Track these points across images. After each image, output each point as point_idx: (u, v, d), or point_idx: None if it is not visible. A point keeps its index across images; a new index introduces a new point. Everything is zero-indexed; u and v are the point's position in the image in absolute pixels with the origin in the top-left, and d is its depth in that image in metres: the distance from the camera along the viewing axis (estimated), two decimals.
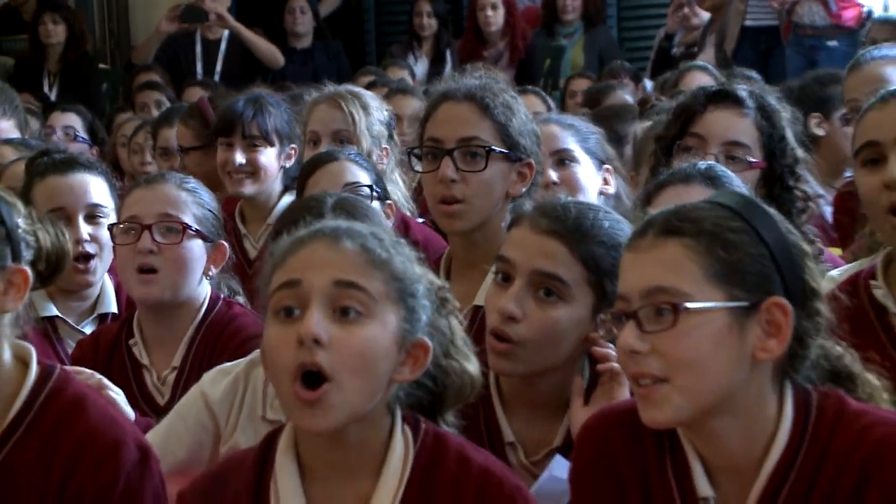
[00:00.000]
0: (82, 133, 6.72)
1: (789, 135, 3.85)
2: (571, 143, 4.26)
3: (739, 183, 3.38)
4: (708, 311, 2.28)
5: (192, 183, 3.76)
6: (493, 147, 3.59)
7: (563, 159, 4.20)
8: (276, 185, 5.00)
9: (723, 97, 3.85)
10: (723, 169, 3.42)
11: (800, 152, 3.88)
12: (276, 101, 5.16)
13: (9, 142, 5.33)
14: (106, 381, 3.18)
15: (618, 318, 2.34)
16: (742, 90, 3.87)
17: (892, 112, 3.11)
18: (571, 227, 2.83)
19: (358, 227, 2.47)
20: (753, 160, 3.77)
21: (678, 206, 2.40)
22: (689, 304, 2.26)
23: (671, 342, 2.28)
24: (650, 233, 2.34)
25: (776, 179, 3.79)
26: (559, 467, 2.81)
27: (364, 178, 4.24)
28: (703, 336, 2.28)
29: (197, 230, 3.62)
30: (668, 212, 2.38)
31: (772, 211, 2.41)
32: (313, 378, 2.35)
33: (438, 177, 3.60)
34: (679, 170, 3.41)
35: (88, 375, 3.14)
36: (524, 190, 3.64)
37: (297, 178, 4.48)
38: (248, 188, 4.94)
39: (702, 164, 3.43)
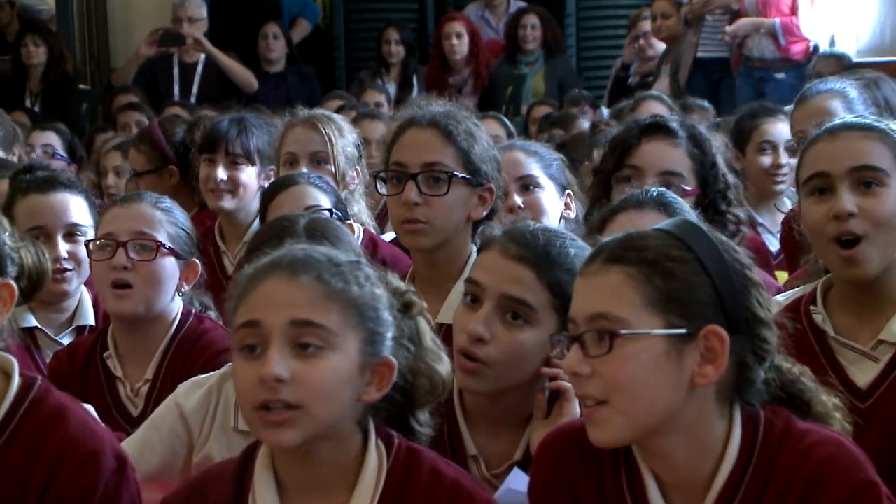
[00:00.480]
0: (61, 151, 6.69)
1: (720, 161, 3.88)
2: (535, 170, 4.26)
3: (689, 209, 3.39)
4: (644, 338, 2.28)
5: (167, 202, 3.75)
6: (455, 172, 3.59)
7: (527, 185, 4.19)
8: (254, 204, 4.93)
9: (655, 129, 3.88)
10: (673, 195, 3.44)
11: (731, 178, 3.92)
12: (259, 123, 5.15)
13: None
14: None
15: (568, 341, 2.35)
16: (673, 122, 3.91)
17: (843, 145, 3.09)
18: (540, 253, 2.83)
19: (315, 256, 2.44)
20: (688, 188, 3.78)
21: (627, 234, 2.41)
22: (623, 331, 2.27)
23: (609, 367, 2.29)
24: (598, 260, 2.36)
25: (709, 204, 3.81)
26: (517, 480, 2.80)
27: (325, 201, 4.22)
28: (640, 361, 2.29)
29: (170, 248, 3.61)
30: (616, 239, 2.39)
31: (720, 239, 2.40)
32: (276, 409, 2.35)
33: (402, 200, 3.59)
34: (632, 196, 3.42)
35: None
36: (484, 213, 3.65)
37: (261, 201, 4.45)
38: (228, 203, 4.93)
39: (654, 191, 3.43)
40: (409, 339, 2.52)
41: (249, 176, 4.95)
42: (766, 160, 5.51)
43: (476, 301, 2.88)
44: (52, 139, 6.78)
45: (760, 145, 5.56)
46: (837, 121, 3.28)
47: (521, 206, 4.11)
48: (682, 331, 2.29)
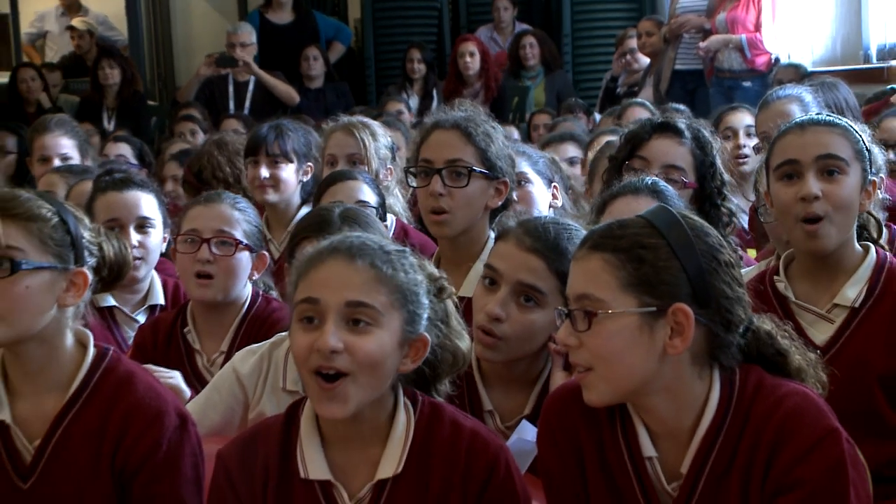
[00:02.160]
0: (132, 159, 6.67)
1: (718, 162, 3.85)
2: (525, 167, 4.33)
3: (676, 196, 3.40)
4: (620, 315, 2.29)
5: (243, 203, 3.77)
6: (474, 167, 3.61)
7: (519, 181, 4.18)
8: (296, 197, 5.00)
9: (665, 128, 3.85)
10: (664, 184, 3.44)
11: (726, 177, 3.88)
12: (294, 126, 5.15)
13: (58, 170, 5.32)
14: (158, 369, 3.21)
15: (562, 316, 2.37)
16: (682, 123, 3.88)
17: (810, 137, 3.11)
18: (551, 245, 2.85)
19: (370, 243, 2.43)
20: (687, 181, 3.76)
21: (609, 224, 2.42)
22: (600, 311, 2.28)
23: (592, 340, 2.30)
24: (585, 246, 2.36)
25: (706, 198, 3.78)
26: (526, 430, 2.82)
27: (372, 199, 4.23)
28: (617, 335, 2.29)
29: (246, 244, 3.64)
30: (601, 228, 2.41)
31: (693, 225, 2.38)
32: (331, 377, 2.34)
33: (429, 191, 3.62)
34: (629, 183, 3.43)
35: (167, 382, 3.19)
36: (500, 203, 3.67)
37: (318, 188, 4.47)
38: (272, 196, 4.93)
39: (648, 179, 3.44)
40: (440, 320, 2.50)
41: (288, 172, 4.95)
42: (728, 144, 5.52)
43: (494, 284, 2.90)
44: (124, 149, 6.76)
45: (724, 132, 5.63)
46: (805, 116, 3.31)
47: (515, 199, 4.09)
48: (653, 309, 2.29)
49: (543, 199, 4.23)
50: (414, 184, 3.80)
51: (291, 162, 4.94)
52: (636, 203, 3.20)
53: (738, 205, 5.28)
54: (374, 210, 4.11)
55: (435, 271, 2.55)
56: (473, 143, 3.64)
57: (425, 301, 2.45)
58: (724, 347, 2.36)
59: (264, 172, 4.89)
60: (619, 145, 3.96)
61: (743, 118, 5.73)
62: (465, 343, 2.58)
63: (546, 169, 4.37)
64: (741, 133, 5.66)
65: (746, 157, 5.61)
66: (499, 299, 2.86)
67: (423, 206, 3.73)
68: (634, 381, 2.32)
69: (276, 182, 4.91)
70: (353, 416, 2.40)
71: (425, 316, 2.44)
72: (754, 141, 5.60)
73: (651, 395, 2.34)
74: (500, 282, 2.88)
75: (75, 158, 5.88)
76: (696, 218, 2.45)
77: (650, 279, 2.29)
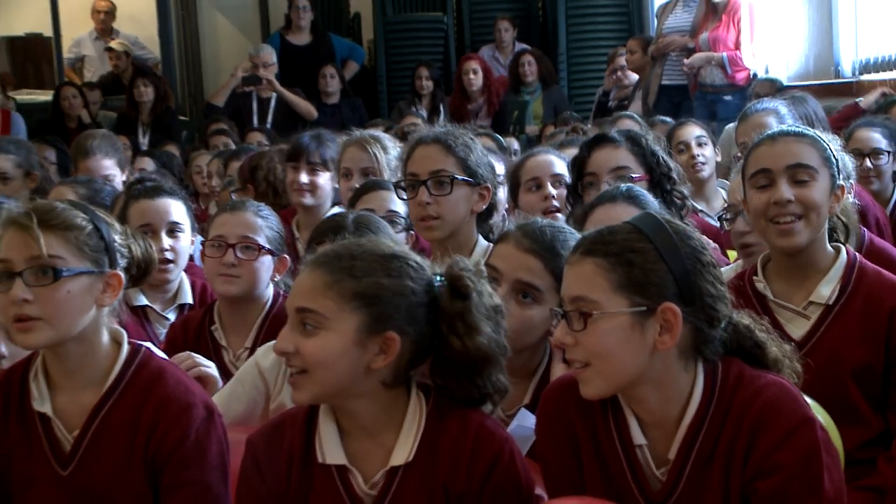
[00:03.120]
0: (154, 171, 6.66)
1: (658, 150, 3.90)
2: (564, 169, 4.29)
3: (652, 199, 3.41)
4: (613, 315, 2.28)
5: (265, 210, 3.76)
6: (456, 176, 3.63)
7: (559, 181, 4.24)
8: (328, 203, 4.98)
9: (599, 140, 3.93)
10: (640, 190, 3.45)
11: (672, 163, 3.92)
12: (332, 137, 5.17)
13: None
14: (198, 358, 3.24)
15: (558, 316, 2.36)
16: (611, 131, 3.97)
17: (781, 147, 3.11)
18: (547, 247, 2.85)
19: (340, 251, 2.43)
20: (636, 175, 3.79)
21: (600, 230, 2.40)
22: (594, 312, 2.28)
23: (587, 338, 2.30)
24: (578, 251, 2.35)
25: (657, 185, 3.81)
26: (525, 418, 2.81)
27: (401, 208, 4.18)
28: (610, 334, 2.29)
29: (268, 249, 3.62)
30: (592, 234, 2.39)
31: (677, 230, 2.37)
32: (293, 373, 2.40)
33: (417, 201, 3.65)
34: (606, 193, 3.43)
35: (185, 357, 3.22)
36: (484, 207, 3.70)
37: (354, 194, 4.43)
38: (308, 200, 4.92)
39: (623, 187, 3.44)
40: (458, 316, 2.44)
41: (325, 180, 4.94)
42: (683, 157, 5.59)
43: (494, 282, 2.85)
44: (148, 163, 6.78)
45: (677, 147, 5.65)
46: (776, 128, 3.31)
47: (554, 196, 4.17)
48: (643, 308, 2.28)
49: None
50: (403, 196, 3.81)
51: (328, 171, 4.94)
52: (613, 211, 3.23)
53: (703, 210, 5.35)
54: (403, 219, 4.11)
55: (455, 272, 2.48)
56: (454, 154, 3.66)
57: (404, 301, 2.39)
58: (708, 342, 2.35)
59: (304, 178, 4.89)
60: (570, 170, 4.02)
61: (692, 131, 5.77)
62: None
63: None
64: (693, 144, 5.67)
65: (702, 164, 5.63)
66: (499, 296, 2.83)
67: (413, 215, 3.75)
68: (627, 375, 2.31)
69: (313, 187, 4.91)
70: (358, 411, 2.42)
71: (401, 315, 2.39)
72: (707, 149, 5.65)
73: (641, 387, 2.34)
74: (501, 280, 2.87)
75: (117, 176, 5.92)
76: (679, 222, 2.45)
77: (640, 281, 2.29)
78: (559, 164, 4.27)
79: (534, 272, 2.86)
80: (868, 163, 5.01)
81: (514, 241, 2.90)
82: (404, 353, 2.40)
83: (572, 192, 3.93)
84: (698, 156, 5.62)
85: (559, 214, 4.04)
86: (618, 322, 2.28)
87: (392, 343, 2.38)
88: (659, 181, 3.82)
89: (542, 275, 2.85)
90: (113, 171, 5.92)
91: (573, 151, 5.50)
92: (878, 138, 5.11)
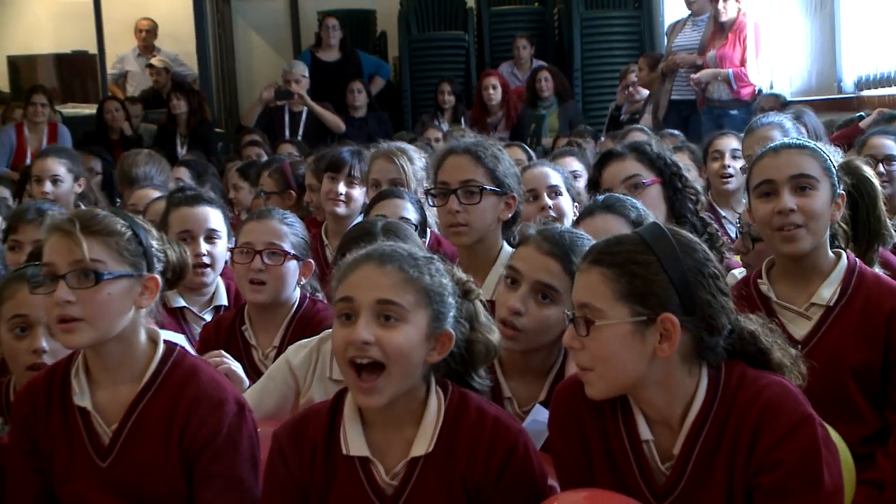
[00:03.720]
0: (188, 180, 6.64)
1: (665, 153, 3.90)
2: (559, 181, 4.33)
3: (629, 199, 3.43)
4: (614, 323, 2.27)
5: (290, 218, 3.76)
6: (485, 186, 3.63)
7: (554, 192, 4.26)
8: (357, 215, 4.93)
9: (606, 157, 3.96)
10: (615, 196, 3.47)
11: (680, 163, 3.93)
12: (367, 154, 5.12)
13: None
14: (227, 356, 3.28)
15: (568, 320, 2.36)
16: (616, 146, 3.98)
17: (784, 158, 3.11)
18: (566, 250, 2.84)
19: (399, 250, 2.44)
20: (647, 181, 3.80)
21: (608, 240, 2.40)
22: (597, 320, 2.27)
23: (591, 344, 2.29)
24: (587, 260, 2.35)
25: (669, 184, 3.83)
26: (539, 413, 2.82)
27: (413, 216, 4.21)
28: (613, 341, 2.28)
29: (293, 254, 3.62)
30: (601, 243, 2.39)
31: (682, 242, 2.37)
32: (366, 368, 2.35)
33: (447, 209, 3.65)
34: (585, 208, 3.48)
35: (215, 354, 3.26)
36: (510, 215, 3.69)
37: (369, 203, 4.46)
38: (342, 209, 4.91)
39: (600, 198, 3.47)
40: (466, 318, 2.50)
41: (360, 193, 4.93)
42: (716, 165, 5.61)
43: (515, 283, 2.90)
44: (184, 173, 6.78)
45: (712, 155, 5.68)
46: (778, 141, 3.30)
47: (551, 206, 4.18)
48: (644, 318, 2.28)
49: (570, 211, 4.23)
50: (433, 204, 3.82)
51: (363, 186, 4.92)
52: (592, 221, 3.27)
53: (726, 216, 5.33)
54: (414, 226, 4.10)
55: (462, 275, 2.56)
56: (483, 165, 3.65)
57: (451, 301, 2.44)
58: (710, 349, 2.34)
59: (341, 189, 4.89)
60: (587, 191, 4.10)
61: (730, 143, 5.72)
62: (495, 336, 2.57)
63: (570, 186, 4.38)
64: (727, 155, 5.63)
65: (731, 176, 5.59)
66: (519, 296, 2.86)
67: (442, 221, 3.76)
68: (629, 379, 2.31)
69: (349, 199, 4.91)
70: (389, 401, 2.40)
71: (451, 314, 2.43)
72: (739, 163, 5.60)
73: (645, 389, 2.33)
74: (521, 281, 2.88)
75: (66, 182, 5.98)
76: (685, 234, 2.44)
77: (641, 291, 2.28)
78: (554, 176, 4.30)
79: (552, 274, 2.85)
80: (882, 168, 4.97)
81: (534, 245, 2.90)
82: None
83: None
84: (729, 167, 5.58)
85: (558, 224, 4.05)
86: (619, 330, 2.28)
87: (448, 339, 2.42)
88: (670, 181, 3.83)
89: (561, 277, 2.84)
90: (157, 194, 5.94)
91: (568, 161, 5.54)
92: (891, 145, 5.08)
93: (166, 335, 2.76)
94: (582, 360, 2.32)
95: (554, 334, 2.88)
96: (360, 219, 4.81)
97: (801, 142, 3.23)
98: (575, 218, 3.49)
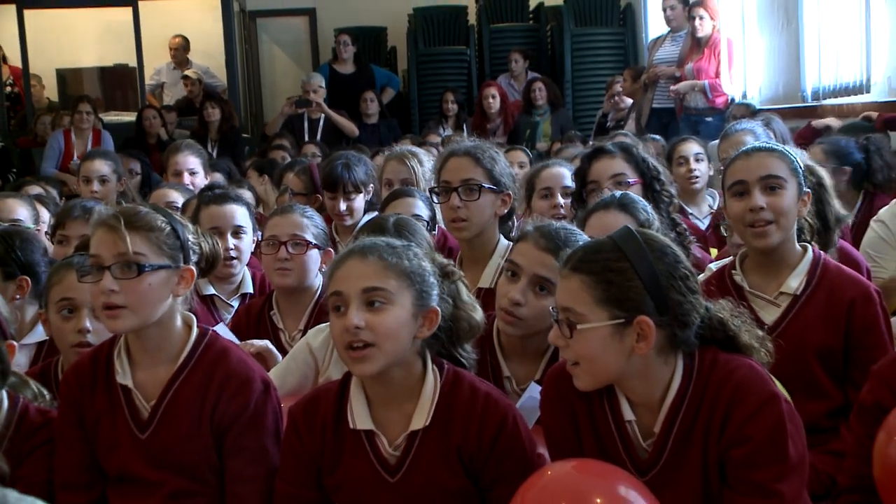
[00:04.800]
0: (222, 180, 6.64)
1: (648, 157, 3.88)
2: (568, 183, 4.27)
3: (642, 201, 3.41)
4: (595, 326, 2.26)
5: (310, 211, 3.78)
6: (483, 184, 3.61)
7: (567, 192, 4.20)
8: (361, 218, 4.85)
9: (599, 152, 3.91)
10: (631, 197, 3.43)
11: (660, 167, 3.91)
12: (356, 158, 5.04)
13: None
14: (271, 346, 3.34)
15: (553, 320, 2.35)
16: (607, 144, 3.94)
17: (755, 161, 3.09)
18: (562, 246, 2.79)
19: (378, 242, 2.44)
20: (632, 180, 3.79)
21: (585, 246, 2.38)
22: (579, 324, 2.26)
23: (575, 343, 2.28)
24: (567, 266, 2.33)
25: (649, 186, 3.81)
26: (535, 390, 2.81)
27: (425, 213, 4.20)
28: (594, 341, 2.27)
29: (315, 244, 3.62)
30: (579, 250, 2.36)
31: (654, 247, 2.33)
32: (359, 349, 2.35)
33: (449, 206, 3.63)
34: (601, 201, 3.42)
35: (261, 345, 3.32)
36: (506, 211, 3.68)
37: (383, 202, 4.43)
38: (348, 222, 4.77)
39: (617, 194, 3.44)
40: (449, 296, 2.49)
41: (360, 202, 4.82)
42: (682, 169, 5.58)
43: (515, 276, 2.89)
44: (217, 177, 6.77)
45: (678, 160, 5.63)
46: (750, 145, 3.28)
47: (562, 206, 4.15)
48: (621, 321, 2.26)
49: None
50: (437, 201, 3.82)
51: (360, 192, 4.82)
52: (606, 217, 3.25)
53: (693, 213, 5.33)
54: (426, 223, 4.09)
55: (443, 260, 2.55)
56: (482, 165, 3.64)
57: (433, 280, 2.44)
58: (683, 341, 2.33)
59: (342, 206, 4.76)
60: (574, 180, 4.00)
61: (692, 147, 5.71)
62: (478, 314, 2.56)
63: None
64: (691, 159, 5.61)
65: (697, 177, 5.59)
66: (519, 288, 2.85)
67: (445, 217, 3.74)
68: (611, 373, 2.31)
69: (351, 211, 4.78)
70: (387, 377, 2.41)
71: (434, 292, 2.43)
72: (702, 164, 5.60)
73: (627, 380, 2.33)
74: (521, 274, 2.87)
75: (201, 173, 5.95)
76: (657, 238, 2.41)
77: (618, 297, 2.26)
78: (569, 177, 4.26)
79: (549, 268, 2.82)
80: None
81: (532, 241, 2.89)
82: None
83: (577, 198, 3.91)
84: (695, 170, 5.57)
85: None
86: (600, 332, 2.26)
87: (435, 315, 2.42)
88: (650, 183, 3.82)
89: (556, 270, 2.81)
90: (198, 168, 5.94)
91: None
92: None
93: (220, 329, 2.77)
94: (568, 355, 2.31)
95: (549, 322, 2.85)
96: (366, 217, 4.81)
97: (770, 145, 3.22)
98: (588, 208, 3.45)
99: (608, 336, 2.26)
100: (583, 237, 2.87)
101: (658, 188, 3.82)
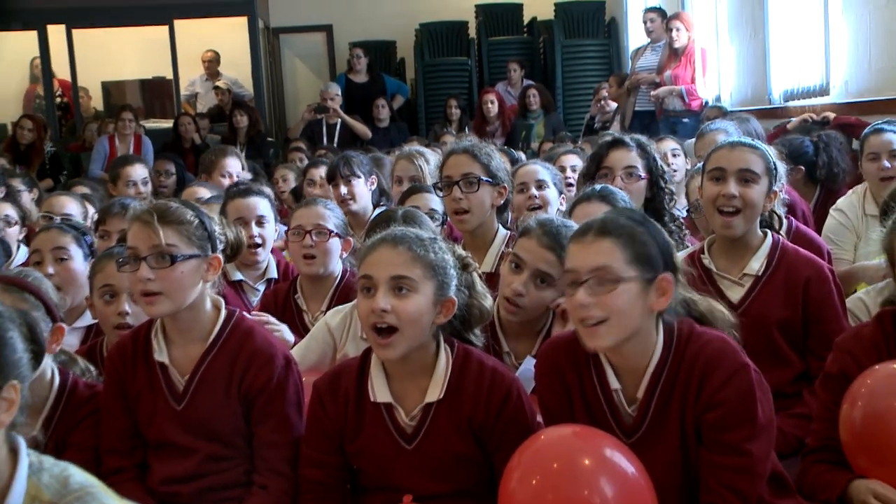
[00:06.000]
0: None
1: (658, 158, 3.85)
2: (546, 177, 4.22)
3: (620, 192, 3.39)
4: (630, 282, 2.22)
5: (331, 204, 3.78)
6: (481, 177, 3.60)
7: (540, 185, 4.16)
8: (369, 205, 4.85)
9: (617, 143, 3.85)
10: (609, 188, 3.41)
11: (666, 168, 3.89)
12: (355, 152, 5.02)
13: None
14: (272, 319, 3.33)
15: (571, 284, 2.27)
16: (626, 137, 3.89)
17: (736, 153, 3.11)
18: (562, 244, 2.76)
19: (409, 233, 2.41)
20: (642, 175, 3.76)
21: (607, 215, 2.34)
22: (618, 277, 2.21)
23: (609, 299, 2.22)
24: (591, 232, 2.28)
25: (654, 184, 3.78)
26: (530, 363, 2.80)
27: (439, 207, 4.18)
28: (626, 297, 2.23)
29: (336, 233, 3.61)
30: (600, 219, 2.32)
31: (652, 221, 2.36)
32: (384, 330, 2.34)
33: (451, 198, 3.63)
34: (584, 193, 3.41)
35: (266, 321, 3.30)
36: (502, 202, 3.67)
37: (402, 195, 4.41)
38: (353, 206, 4.74)
39: (597, 187, 3.42)
40: (465, 287, 2.48)
41: (360, 187, 4.77)
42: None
43: (518, 268, 2.88)
44: (245, 175, 6.76)
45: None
46: (735, 139, 3.29)
47: (537, 196, 4.11)
48: (649, 277, 2.24)
49: (555, 201, 4.18)
50: (440, 194, 3.81)
51: (359, 177, 4.77)
52: (589, 207, 3.20)
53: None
54: (442, 217, 4.08)
55: (462, 252, 2.54)
56: (479, 161, 3.63)
57: (453, 273, 2.42)
58: (669, 308, 2.32)
59: (343, 190, 4.75)
60: (587, 164, 3.95)
61: (668, 145, 5.67)
62: (488, 302, 2.55)
63: (558, 182, 4.32)
64: (668, 155, 5.56)
65: (675, 171, 5.51)
66: (521, 280, 2.85)
67: (448, 209, 3.73)
68: (631, 329, 2.26)
69: (352, 195, 4.74)
70: (407, 357, 2.39)
71: (453, 284, 2.41)
72: (679, 160, 5.58)
73: (630, 341, 2.29)
74: (524, 267, 2.86)
75: (240, 174, 6.00)
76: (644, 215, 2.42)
77: (643, 256, 2.25)
78: (542, 172, 4.20)
79: (550, 264, 2.83)
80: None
81: (535, 238, 2.88)
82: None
83: (590, 179, 3.84)
84: (672, 164, 5.53)
85: (541, 211, 3.99)
86: (632, 287, 2.23)
87: (452, 304, 2.40)
88: (656, 180, 3.79)
89: (557, 266, 2.80)
90: (240, 171, 6.02)
91: (570, 157, 5.48)
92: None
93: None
94: (595, 313, 2.23)
95: (544, 308, 2.90)
96: (377, 211, 4.79)
97: (753, 143, 3.20)
98: (573, 200, 3.44)
99: (638, 292, 2.24)
100: None
101: (662, 185, 3.79)
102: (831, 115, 6.24)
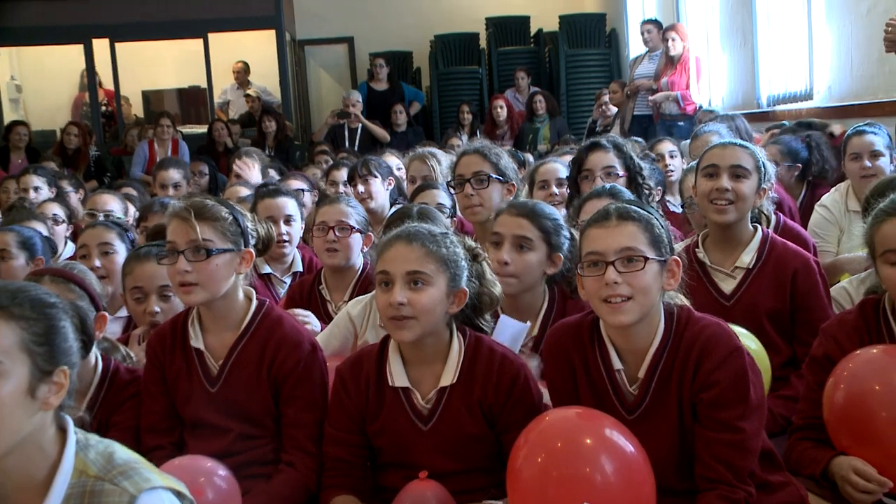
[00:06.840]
0: (277, 175, 6.63)
1: (635, 156, 3.83)
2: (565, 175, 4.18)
3: (626, 191, 3.38)
4: (652, 262, 2.21)
5: (353, 201, 3.76)
6: (492, 175, 3.60)
7: (562, 183, 4.13)
8: (386, 203, 4.84)
9: (594, 146, 3.84)
10: (618, 187, 3.41)
11: (643, 165, 3.85)
12: (374, 156, 5.00)
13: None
14: (304, 312, 3.32)
15: (594, 265, 2.24)
16: (603, 139, 3.86)
17: (729, 152, 3.12)
18: (530, 211, 2.83)
19: (422, 230, 2.40)
20: (620, 174, 3.74)
21: (621, 205, 2.31)
22: (646, 257, 2.21)
23: (635, 278, 2.20)
24: (613, 217, 2.25)
25: (633, 180, 3.76)
26: (506, 321, 2.78)
27: (448, 202, 4.17)
28: (650, 276, 2.21)
29: (357, 228, 3.59)
30: (615, 206, 2.30)
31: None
32: (400, 321, 2.33)
33: (464, 195, 3.64)
34: (595, 190, 3.40)
35: (298, 313, 3.27)
36: (511, 199, 3.64)
37: (413, 191, 4.41)
38: (371, 204, 4.71)
39: (608, 185, 3.41)
40: (476, 277, 2.46)
41: (377, 185, 4.75)
42: (659, 164, 5.48)
43: (498, 244, 2.86)
44: (272, 175, 6.75)
45: (656, 157, 5.54)
46: (726, 139, 3.30)
47: (557, 194, 4.10)
48: (665, 258, 2.24)
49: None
50: (453, 191, 3.81)
51: (376, 177, 4.75)
52: (599, 203, 3.15)
53: (670, 200, 5.29)
54: (451, 211, 4.06)
55: (472, 243, 2.52)
56: (489, 160, 3.63)
57: (464, 265, 2.41)
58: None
59: (360, 188, 4.73)
60: (570, 167, 3.95)
61: (667, 146, 5.66)
62: (497, 290, 2.54)
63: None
64: (666, 156, 5.57)
65: (672, 171, 5.52)
66: (504, 250, 2.84)
67: (461, 205, 3.73)
68: (649, 306, 2.24)
69: (369, 193, 4.72)
70: (420, 343, 2.39)
71: (464, 275, 2.40)
72: (676, 160, 5.56)
73: (644, 320, 2.26)
74: (503, 240, 2.85)
75: (258, 175, 5.95)
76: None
77: (658, 239, 2.25)
78: (563, 170, 4.21)
79: (524, 228, 2.83)
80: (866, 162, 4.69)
81: (507, 211, 2.90)
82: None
83: (572, 183, 3.87)
84: (669, 164, 5.53)
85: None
86: (654, 266, 2.22)
87: (464, 295, 2.40)
88: (634, 177, 3.77)
89: (531, 229, 2.83)
90: (257, 170, 5.96)
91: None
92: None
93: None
94: (621, 291, 2.21)
95: (535, 276, 2.86)
96: (393, 209, 4.79)
97: (744, 143, 3.23)
98: (583, 196, 3.42)
99: (657, 272, 2.23)
100: (548, 206, 2.89)
101: (640, 181, 3.78)
102: (816, 121, 6.22)
